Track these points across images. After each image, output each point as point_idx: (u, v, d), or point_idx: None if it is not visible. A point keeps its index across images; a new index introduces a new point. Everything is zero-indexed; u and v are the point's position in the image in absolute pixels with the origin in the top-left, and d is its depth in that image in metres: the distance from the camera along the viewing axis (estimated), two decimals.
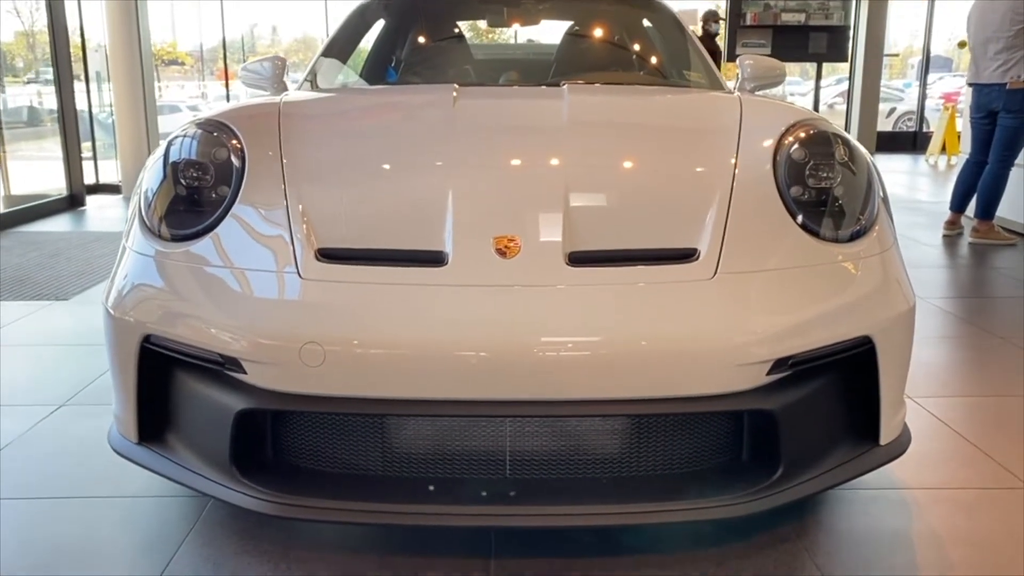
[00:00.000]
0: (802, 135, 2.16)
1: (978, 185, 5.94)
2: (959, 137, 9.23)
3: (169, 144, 2.21)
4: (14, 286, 4.60)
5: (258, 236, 1.99)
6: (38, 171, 8.10)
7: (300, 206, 2.00)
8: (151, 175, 2.20)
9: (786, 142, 2.14)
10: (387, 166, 2.17)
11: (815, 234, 2.02)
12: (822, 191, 2.10)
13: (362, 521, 1.83)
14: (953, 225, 6.16)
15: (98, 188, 8.95)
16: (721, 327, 1.79)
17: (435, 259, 1.90)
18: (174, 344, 1.92)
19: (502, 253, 1.87)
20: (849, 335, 1.92)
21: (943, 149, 11.64)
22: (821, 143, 2.16)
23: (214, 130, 2.19)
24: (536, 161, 2.14)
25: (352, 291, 1.82)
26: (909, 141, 13.25)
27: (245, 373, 1.83)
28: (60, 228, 6.65)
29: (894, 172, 10.12)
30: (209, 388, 1.92)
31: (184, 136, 2.21)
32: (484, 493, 1.86)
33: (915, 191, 8.79)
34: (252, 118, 2.33)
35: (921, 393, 2.98)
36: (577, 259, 1.89)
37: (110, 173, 9.11)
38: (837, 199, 2.10)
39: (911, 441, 2.16)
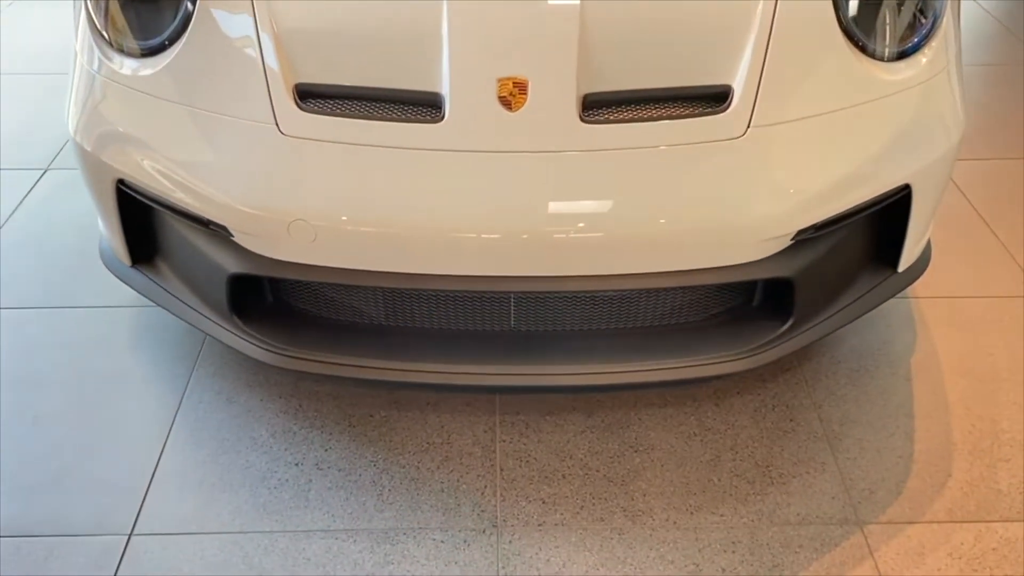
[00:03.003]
0: None
1: None
2: None
3: None
4: None
5: (227, 65, 1.74)
6: None
7: (271, 23, 1.72)
8: None
9: None
10: None
11: (864, 49, 1.75)
12: None
13: (368, 378, 1.82)
14: None
15: None
16: (748, 201, 1.62)
17: (430, 103, 1.67)
18: (152, 194, 1.77)
19: (507, 103, 1.64)
20: (887, 187, 1.75)
21: None
22: None
23: None
24: None
25: (339, 156, 1.63)
26: None
27: (233, 236, 1.72)
28: None
29: None
30: (198, 239, 1.81)
31: None
32: (489, 350, 1.84)
33: None
34: None
35: None
36: (593, 103, 1.66)
37: None
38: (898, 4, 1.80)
39: (931, 258, 2.08)
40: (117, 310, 2.26)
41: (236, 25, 1.76)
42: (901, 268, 1.96)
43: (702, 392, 2.00)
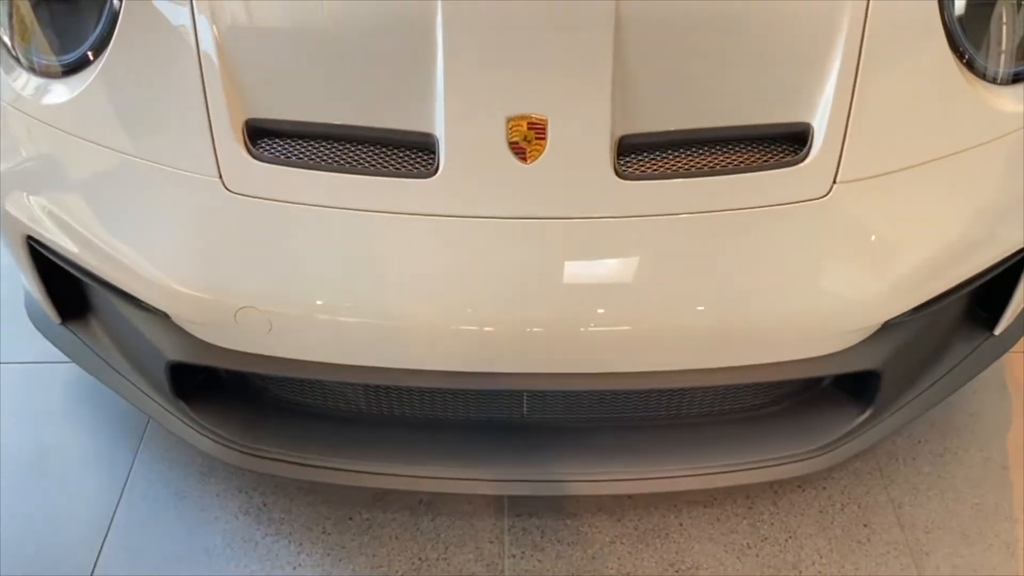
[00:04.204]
0: None
1: None
2: None
3: None
4: None
5: (159, 92, 1.35)
6: None
7: (215, 35, 1.33)
8: None
9: None
10: None
11: (971, 66, 1.36)
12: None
13: (345, 483, 1.47)
14: None
15: None
16: (832, 286, 1.23)
17: (422, 146, 1.29)
18: (67, 258, 1.40)
19: (519, 151, 1.25)
20: (1007, 251, 1.37)
21: None
22: None
23: None
24: None
25: (300, 222, 1.24)
26: None
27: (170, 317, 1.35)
28: None
29: None
30: (132, 313, 1.44)
31: None
32: (496, 448, 1.47)
33: None
34: None
35: None
36: (631, 148, 1.28)
37: None
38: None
39: None
40: (50, 367, 1.89)
41: (171, 36, 1.36)
42: (999, 331, 1.59)
43: (756, 485, 1.64)
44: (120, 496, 1.64)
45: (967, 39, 1.36)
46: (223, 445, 1.50)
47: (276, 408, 1.53)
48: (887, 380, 1.42)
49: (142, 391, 1.55)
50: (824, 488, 1.64)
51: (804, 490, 1.63)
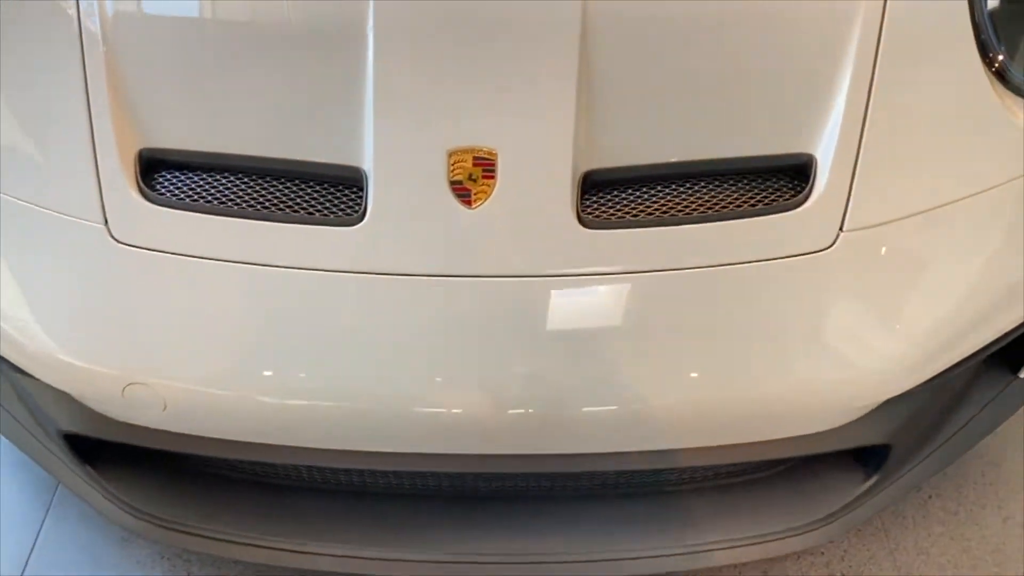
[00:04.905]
0: None
1: None
2: None
3: None
4: None
5: (35, 111, 1.13)
6: None
7: (101, 40, 1.11)
8: None
9: None
10: None
11: (1002, 77, 1.15)
12: None
13: (273, 563, 1.28)
14: None
15: None
16: (838, 357, 1.02)
17: (348, 182, 1.08)
18: None
19: (462, 192, 1.04)
20: None
21: None
22: None
23: None
24: None
25: (201, 282, 1.03)
26: None
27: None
28: None
29: None
30: (16, 374, 1.24)
31: None
32: (447, 521, 1.28)
33: None
34: None
35: None
36: (597, 185, 1.07)
37: None
38: None
39: None
40: None
41: (51, 47, 1.14)
42: None
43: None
44: (27, 561, 1.45)
45: (999, 42, 1.15)
46: (133, 515, 1.31)
47: (198, 474, 1.33)
48: (898, 448, 1.23)
49: (44, 445, 1.35)
50: (822, 554, 1.45)
51: (799, 558, 1.44)
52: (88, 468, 1.31)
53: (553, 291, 1.01)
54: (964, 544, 1.46)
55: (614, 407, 1.00)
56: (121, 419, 1.13)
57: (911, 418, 1.19)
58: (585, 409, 1.00)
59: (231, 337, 1.02)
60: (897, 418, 1.17)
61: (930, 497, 1.53)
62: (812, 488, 1.31)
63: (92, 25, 1.12)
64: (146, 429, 1.13)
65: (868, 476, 1.30)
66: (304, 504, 1.31)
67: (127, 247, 1.05)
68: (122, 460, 1.32)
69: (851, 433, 1.14)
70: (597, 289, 1.02)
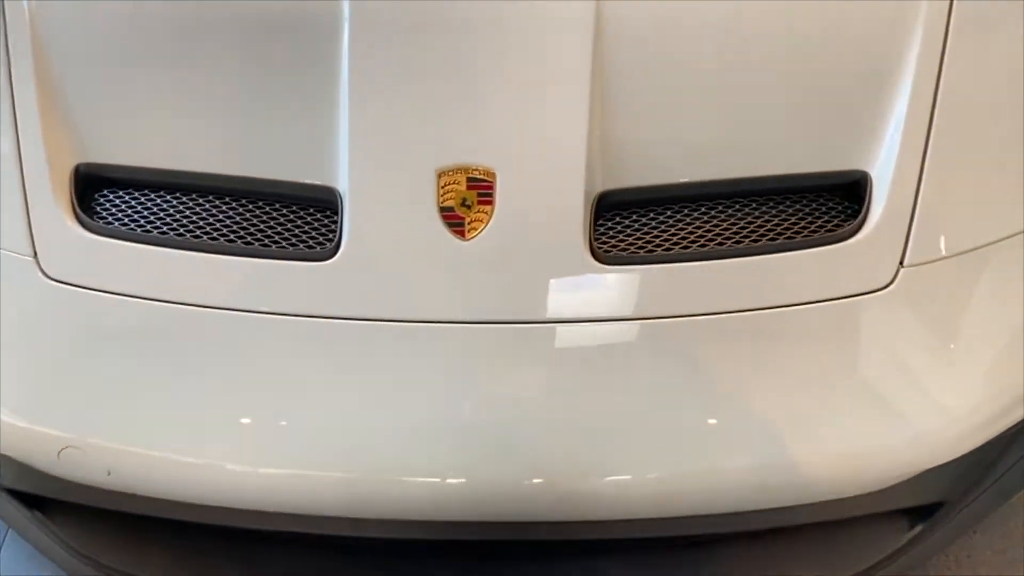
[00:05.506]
0: None
1: None
2: None
3: None
4: None
5: None
6: None
7: (33, 44, 0.95)
8: None
9: None
10: None
11: None
12: None
13: None
14: None
15: None
16: (901, 414, 0.86)
17: (321, 205, 0.92)
18: None
19: (456, 222, 0.88)
20: None
21: None
22: None
23: None
24: None
25: (146, 328, 0.87)
26: None
27: None
28: None
29: None
30: None
31: None
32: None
33: None
34: None
35: None
36: (613, 207, 0.91)
37: None
38: None
39: None
40: None
41: None
42: None
43: None
44: None
45: None
46: (92, 566, 1.17)
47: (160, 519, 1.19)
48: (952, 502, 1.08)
49: None
50: None
51: None
52: (37, 514, 1.17)
53: (562, 341, 0.85)
54: None
55: (640, 476, 0.85)
56: (67, 477, 0.98)
57: (970, 470, 1.04)
58: (609, 479, 0.85)
59: (183, 394, 0.87)
60: (955, 473, 1.02)
61: (974, 533, 1.39)
62: (849, 539, 1.16)
63: (18, 15, 0.96)
64: (100, 490, 0.98)
65: (913, 525, 1.16)
66: (267, 556, 1.16)
67: (60, 284, 0.89)
68: (74, 504, 1.19)
69: (899, 494, 0.99)
70: (614, 339, 0.86)
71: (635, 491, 0.87)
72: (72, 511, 1.18)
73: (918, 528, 1.15)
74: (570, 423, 0.84)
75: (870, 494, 0.98)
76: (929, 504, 1.08)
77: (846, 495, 0.96)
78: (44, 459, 0.90)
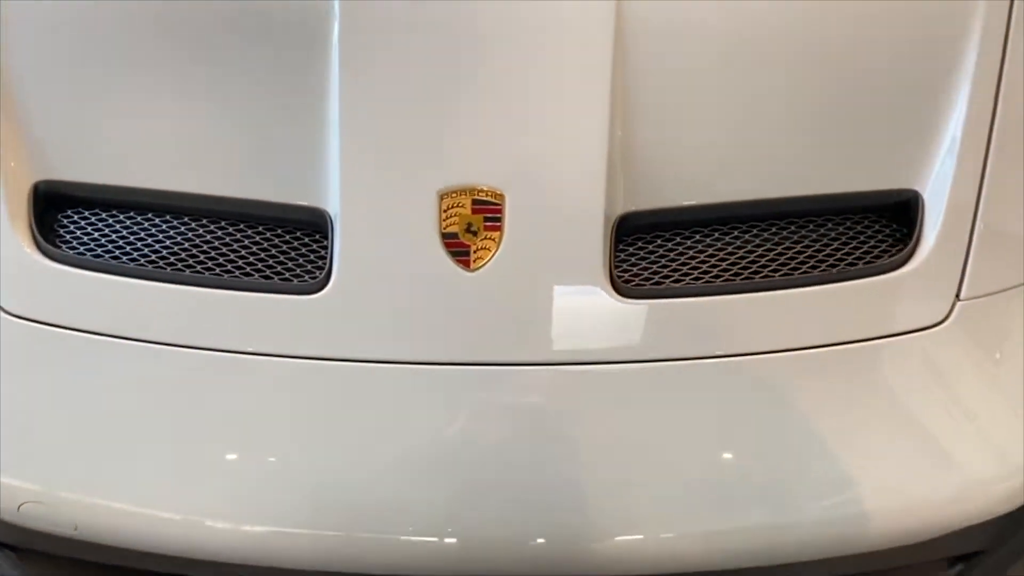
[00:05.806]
0: None
1: None
2: None
3: None
4: None
5: None
6: None
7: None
8: None
9: None
10: None
11: None
12: None
13: None
14: None
15: None
16: (959, 463, 0.77)
17: (309, 229, 0.83)
18: None
19: (460, 250, 0.78)
20: None
21: None
22: None
23: None
24: None
25: (112, 370, 0.78)
26: None
27: None
28: None
29: None
30: None
31: None
32: None
33: None
34: None
35: None
36: (634, 231, 0.82)
37: None
38: None
39: None
40: None
41: None
42: None
43: None
44: None
45: None
46: None
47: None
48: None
49: None
50: None
51: None
52: (8, 552, 1.09)
53: (579, 387, 0.76)
54: None
55: (675, 532, 0.76)
56: (34, 527, 0.89)
57: (1017, 520, 0.96)
58: (643, 537, 0.76)
59: (156, 442, 0.78)
60: (1003, 523, 0.93)
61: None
62: None
63: None
64: (70, 540, 0.90)
65: (952, 565, 1.08)
66: None
67: (17, 320, 0.80)
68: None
69: (945, 544, 0.90)
70: (638, 383, 0.76)
71: (668, 547, 0.78)
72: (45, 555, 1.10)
73: (957, 568, 1.08)
74: (592, 480, 0.75)
75: (914, 545, 0.90)
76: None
77: (892, 546, 0.88)
78: (4, 511, 0.81)
